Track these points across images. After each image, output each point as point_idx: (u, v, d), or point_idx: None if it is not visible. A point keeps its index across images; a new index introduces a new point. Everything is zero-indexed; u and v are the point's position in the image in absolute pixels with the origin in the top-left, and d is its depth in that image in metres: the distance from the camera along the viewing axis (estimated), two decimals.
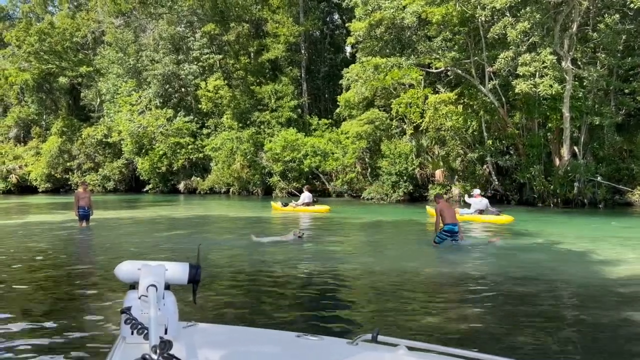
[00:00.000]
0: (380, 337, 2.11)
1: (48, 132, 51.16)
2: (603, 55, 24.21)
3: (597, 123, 23.91)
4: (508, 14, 23.73)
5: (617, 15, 22.90)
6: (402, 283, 8.13)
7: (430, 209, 18.87)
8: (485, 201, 18.31)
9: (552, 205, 25.02)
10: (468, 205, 18.52)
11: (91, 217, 16.12)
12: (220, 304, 6.73)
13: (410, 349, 2.08)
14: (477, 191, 19.17)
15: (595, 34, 23.91)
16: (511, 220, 17.25)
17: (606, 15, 23.41)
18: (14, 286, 7.96)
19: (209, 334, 2.24)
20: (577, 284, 8.07)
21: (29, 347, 5.07)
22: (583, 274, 8.83)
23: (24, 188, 48.70)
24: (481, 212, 17.94)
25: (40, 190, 48.04)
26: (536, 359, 4.82)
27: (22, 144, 53.48)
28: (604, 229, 16.19)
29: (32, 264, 9.93)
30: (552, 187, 24.93)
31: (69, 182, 47.54)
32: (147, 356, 1.54)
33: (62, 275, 8.79)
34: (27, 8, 57.06)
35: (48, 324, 5.89)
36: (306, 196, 22.38)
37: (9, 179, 49.44)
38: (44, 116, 53.56)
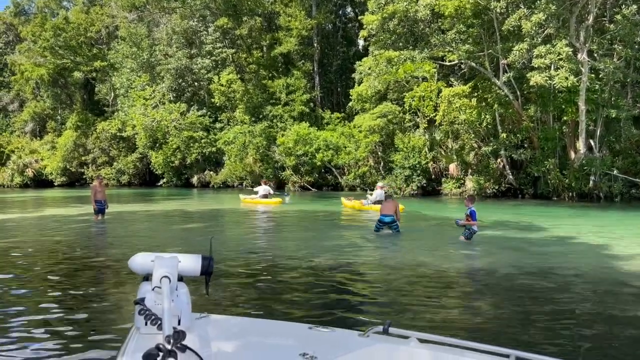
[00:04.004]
0: (391, 330, 2.12)
1: (63, 126, 51.75)
2: (620, 47, 23.83)
3: (613, 116, 23.57)
4: (522, 6, 23.44)
5: (635, 6, 22.51)
6: (414, 276, 8.11)
7: (344, 200, 21.76)
8: (381, 192, 20.26)
9: (567, 199, 24.77)
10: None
11: (106, 210, 16.32)
12: (233, 296, 6.77)
13: (421, 341, 2.08)
14: (380, 184, 21.76)
15: (612, 25, 23.54)
16: (402, 209, 18.84)
17: (623, 6, 23.02)
18: (30, 278, 8.09)
19: (222, 325, 2.26)
20: (593, 278, 7.99)
21: (45, 337, 5.16)
22: (599, 268, 8.74)
23: (40, 182, 49.36)
24: (379, 202, 19.69)
25: (56, 184, 48.63)
26: (550, 353, 4.79)
27: (38, 138, 54.18)
28: (619, 223, 15.99)
29: (48, 257, 10.08)
30: (567, 180, 24.66)
31: (84, 176, 48.09)
32: (160, 346, 1.56)
33: (77, 268, 8.91)
34: (42, 3, 57.63)
35: (63, 315, 5.98)
36: (263, 189, 23.82)
37: (25, 173, 50.12)
38: (59, 111, 54.19)
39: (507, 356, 1.96)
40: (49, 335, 5.21)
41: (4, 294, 7.00)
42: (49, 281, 7.91)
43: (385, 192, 20.81)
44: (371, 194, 21.07)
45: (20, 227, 15.46)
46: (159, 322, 1.86)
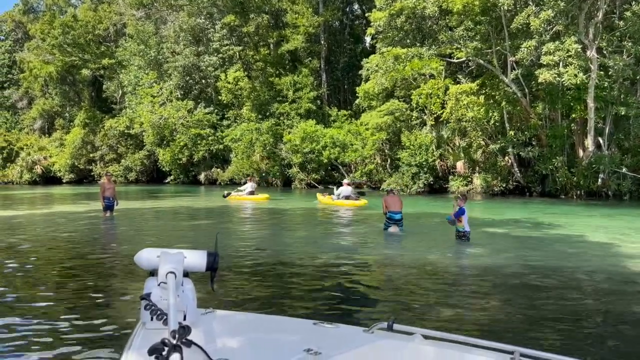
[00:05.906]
0: (396, 326, 2.12)
1: (71, 123, 52.06)
2: (629, 44, 23.59)
3: (622, 113, 23.40)
4: (531, 3, 23.30)
5: None
6: (420, 274, 8.11)
7: (319, 196, 22.80)
8: (350, 188, 21.34)
9: (575, 197, 24.63)
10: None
11: (116, 207, 16.41)
12: (239, 291, 6.80)
13: (426, 337, 2.08)
14: (345, 181, 23.07)
15: (621, 22, 23.34)
16: (364, 204, 20.13)
17: (633, 3, 22.81)
18: (38, 274, 8.16)
19: (227, 321, 2.27)
20: (600, 276, 7.95)
21: (51, 331, 5.20)
22: (606, 266, 8.69)
23: (49, 179, 49.70)
24: (347, 197, 20.74)
25: (64, 180, 48.95)
26: (557, 351, 4.77)
27: (47, 135, 54.51)
28: (628, 221, 15.89)
29: (57, 253, 10.15)
30: (575, 178, 24.52)
31: (92, 173, 48.39)
32: (166, 341, 1.57)
33: (85, 263, 8.97)
34: (51, 1, 57.86)
35: (71, 310, 6.03)
36: (249, 186, 24.43)
37: (34, 170, 50.48)
38: (68, 108, 54.48)
39: (512, 353, 1.95)
40: (54, 330, 5.25)
41: (10, 289, 7.06)
42: (56, 276, 7.98)
43: (358, 188, 21.62)
44: (348, 187, 21.79)
45: (28, 224, 15.58)
46: (165, 317, 1.87)
